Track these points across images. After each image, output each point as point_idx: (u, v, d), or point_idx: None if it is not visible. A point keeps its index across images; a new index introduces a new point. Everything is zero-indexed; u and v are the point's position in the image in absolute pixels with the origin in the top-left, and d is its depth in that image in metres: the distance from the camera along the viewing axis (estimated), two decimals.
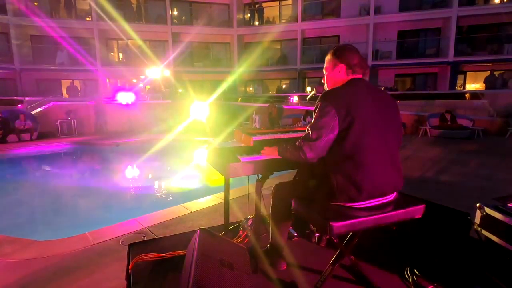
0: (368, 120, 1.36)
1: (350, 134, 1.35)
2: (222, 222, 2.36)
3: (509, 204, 1.81)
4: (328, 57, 1.58)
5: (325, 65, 1.60)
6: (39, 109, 11.24)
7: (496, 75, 13.21)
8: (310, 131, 1.41)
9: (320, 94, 1.47)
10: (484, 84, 13.12)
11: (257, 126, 10.31)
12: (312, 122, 1.42)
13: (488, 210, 1.84)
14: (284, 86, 18.30)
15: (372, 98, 1.43)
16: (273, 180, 2.34)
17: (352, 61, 1.49)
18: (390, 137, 1.43)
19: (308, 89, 17.01)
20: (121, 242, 2.55)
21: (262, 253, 1.94)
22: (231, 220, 2.53)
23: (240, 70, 16.32)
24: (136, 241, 2.32)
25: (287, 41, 16.90)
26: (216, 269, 1.41)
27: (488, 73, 13.22)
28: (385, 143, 1.41)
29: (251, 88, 18.61)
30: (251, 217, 2.26)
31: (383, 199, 1.44)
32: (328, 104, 1.38)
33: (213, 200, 3.66)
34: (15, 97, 12.80)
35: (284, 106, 12.49)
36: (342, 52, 1.52)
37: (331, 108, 1.36)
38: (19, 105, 11.72)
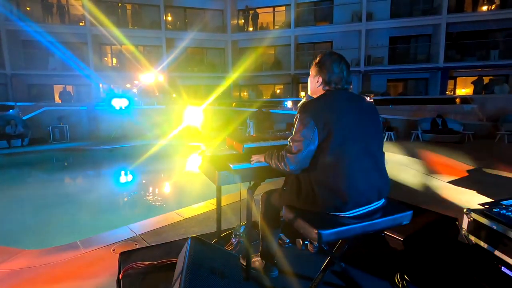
0: (348, 129, 1.39)
1: (330, 145, 1.37)
2: (215, 229, 2.35)
3: (495, 210, 1.85)
4: (315, 66, 1.55)
5: (313, 68, 1.57)
6: (31, 115, 11.09)
7: (484, 80, 13.50)
8: (291, 144, 1.44)
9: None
10: (472, 86, 13.43)
11: (251, 131, 10.33)
12: (293, 134, 1.45)
13: (475, 216, 1.88)
14: (278, 91, 18.41)
15: (351, 106, 1.46)
16: (266, 186, 2.35)
17: (337, 75, 1.49)
18: (372, 144, 1.46)
19: (302, 93, 17.16)
20: (113, 250, 2.52)
21: (254, 260, 1.94)
22: (225, 226, 2.53)
23: (235, 75, 16.39)
24: (127, 250, 2.30)
25: (281, 46, 17.05)
26: (206, 277, 1.41)
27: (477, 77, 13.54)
28: (367, 150, 1.43)
29: (245, 93, 18.68)
30: (243, 224, 2.26)
31: (370, 206, 1.46)
32: (307, 116, 1.40)
33: (206, 206, 3.65)
34: (6, 103, 12.61)
35: (279, 111, 12.55)
36: (329, 66, 1.50)
37: (309, 119, 1.38)
38: (10, 111, 11.54)
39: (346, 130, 1.38)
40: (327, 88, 1.51)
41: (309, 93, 1.63)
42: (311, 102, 1.49)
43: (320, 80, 1.52)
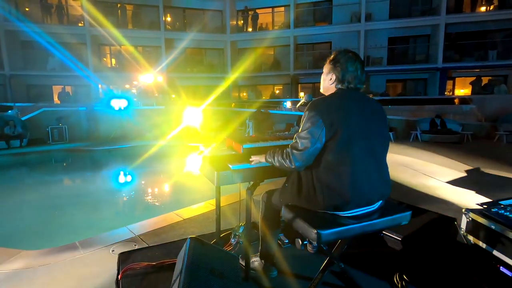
0: (354, 130, 1.38)
1: (335, 144, 1.37)
2: (214, 230, 2.35)
3: (493, 210, 1.86)
4: (329, 63, 1.53)
5: (327, 66, 1.55)
6: (30, 115, 11.07)
7: (483, 81, 13.55)
8: (297, 140, 1.43)
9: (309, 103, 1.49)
10: (470, 87, 13.49)
11: (251, 132, 10.33)
12: (300, 131, 1.44)
13: (473, 216, 1.88)
14: (277, 92, 18.42)
15: (360, 107, 1.45)
16: (266, 186, 2.35)
17: (352, 75, 1.48)
18: (377, 146, 1.45)
19: (302, 94, 17.16)
20: (112, 251, 2.52)
21: (253, 260, 1.94)
22: (224, 227, 2.52)
23: (234, 76, 16.39)
24: (126, 250, 2.30)
25: (280, 47, 17.06)
26: (205, 277, 1.41)
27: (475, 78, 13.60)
28: (372, 152, 1.43)
29: (244, 94, 18.69)
30: (243, 224, 2.26)
31: (369, 207, 1.46)
32: (315, 114, 1.39)
33: (206, 207, 3.64)
34: (5, 103, 12.59)
35: (278, 112, 12.56)
36: (343, 64, 1.48)
37: (318, 118, 1.38)
38: (9, 111, 11.52)
39: (353, 131, 1.37)
40: (339, 86, 1.50)
41: (321, 90, 1.61)
42: (321, 100, 1.46)
43: (334, 77, 1.50)
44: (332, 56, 1.53)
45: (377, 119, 1.48)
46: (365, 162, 1.40)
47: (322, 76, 1.58)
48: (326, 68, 1.55)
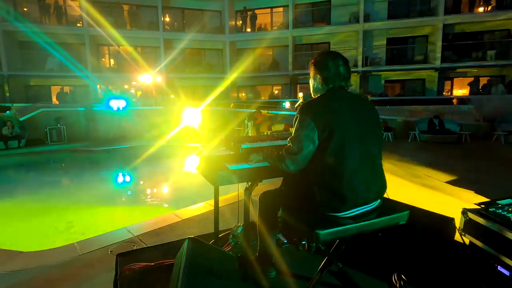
0: (348, 130, 1.39)
1: (330, 146, 1.37)
2: (213, 230, 2.35)
3: (491, 209, 1.86)
4: (312, 66, 1.57)
5: (311, 68, 1.59)
6: (28, 116, 11.03)
7: (481, 81, 13.59)
8: (291, 144, 1.44)
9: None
10: (468, 87, 13.54)
11: (249, 132, 10.33)
12: (293, 134, 1.45)
13: (471, 215, 1.88)
14: (276, 92, 18.43)
15: (350, 106, 1.46)
16: (264, 186, 2.35)
17: (334, 72, 1.50)
18: (371, 145, 1.46)
19: (300, 94, 17.17)
20: (110, 251, 2.51)
21: (252, 260, 1.94)
22: (223, 227, 2.52)
23: (233, 76, 16.39)
24: (125, 251, 2.30)
25: (279, 47, 17.08)
26: (204, 278, 1.41)
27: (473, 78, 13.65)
28: (366, 152, 1.43)
29: (243, 94, 18.69)
30: (241, 224, 2.26)
31: (367, 207, 1.46)
32: (306, 117, 1.40)
33: (205, 207, 3.64)
34: (3, 104, 12.55)
35: (277, 112, 12.57)
36: (324, 64, 1.51)
37: (310, 121, 1.38)
38: (7, 112, 11.48)
39: (346, 131, 1.38)
40: (325, 87, 1.51)
41: (311, 93, 1.64)
42: (311, 103, 1.47)
43: (318, 79, 1.53)
44: (314, 59, 1.57)
45: (369, 117, 1.49)
46: (359, 162, 1.40)
47: (310, 79, 1.61)
48: (311, 71, 1.58)
